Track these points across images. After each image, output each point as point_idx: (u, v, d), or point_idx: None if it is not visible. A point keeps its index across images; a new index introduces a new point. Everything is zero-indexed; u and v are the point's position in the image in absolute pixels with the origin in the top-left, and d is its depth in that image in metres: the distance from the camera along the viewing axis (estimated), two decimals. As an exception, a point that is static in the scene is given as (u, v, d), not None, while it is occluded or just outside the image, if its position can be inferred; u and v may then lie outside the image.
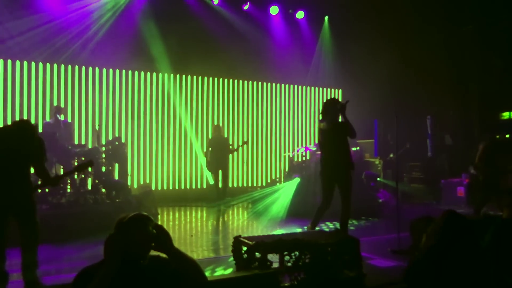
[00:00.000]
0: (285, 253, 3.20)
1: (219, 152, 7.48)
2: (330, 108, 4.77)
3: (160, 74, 9.21)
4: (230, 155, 8.38)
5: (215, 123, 9.32)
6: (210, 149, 7.59)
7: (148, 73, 9.16)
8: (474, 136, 9.43)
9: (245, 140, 9.31)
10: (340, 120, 4.73)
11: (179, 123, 9.38)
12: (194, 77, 9.66)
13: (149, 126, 9.09)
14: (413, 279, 2.03)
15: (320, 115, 4.94)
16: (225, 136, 9.34)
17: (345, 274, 3.34)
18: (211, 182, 8.61)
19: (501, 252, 2.08)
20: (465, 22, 9.42)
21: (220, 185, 7.57)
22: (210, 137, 8.90)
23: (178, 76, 9.44)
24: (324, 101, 5.30)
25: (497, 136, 5.93)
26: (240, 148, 8.66)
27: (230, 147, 8.00)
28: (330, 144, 4.75)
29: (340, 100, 5.09)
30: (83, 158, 6.18)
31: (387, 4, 9.10)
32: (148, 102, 9.13)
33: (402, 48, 9.35)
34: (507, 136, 9.10)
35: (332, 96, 11.32)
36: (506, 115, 9.52)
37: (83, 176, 6.21)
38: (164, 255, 1.78)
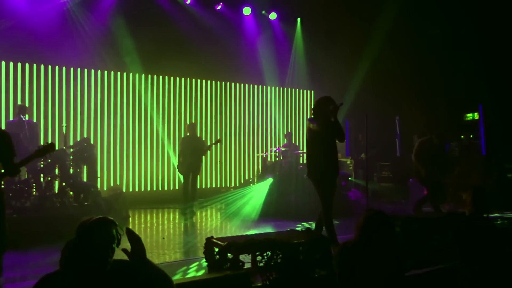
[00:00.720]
0: (257, 253, 3.20)
1: (191, 153, 7.24)
2: (323, 107, 4.44)
3: (131, 74, 9.02)
4: (204, 156, 8.14)
5: (188, 122, 9.13)
6: (181, 148, 7.33)
7: (119, 73, 8.95)
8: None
9: (218, 138, 9.04)
10: (332, 120, 4.39)
11: (150, 123, 9.21)
12: (166, 77, 9.53)
13: (119, 127, 8.88)
14: (340, 271, 2.13)
15: (312, 113, 4.61)
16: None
17: (317, 272, 3.38)
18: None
19: (461, 246, 2.19)
20: (432, 26, 9.76)
21: (189, 188, 7.28)
22: (183, 136, 8.71)
23: (149, 76, 9.28)
24: (317, 99, 4.59)
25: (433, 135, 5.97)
26: (214, 146, 8.34)
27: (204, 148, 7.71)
28: (318, 145, 4.47)
29: (332, 100, 4.51)
30: (49, 160, 5.97)
31: (357, 8, 9.31)
32: (119, 102, 8.92)
33: (371, 50, 9.58)
34: (471, 136, 9.50)
35: (303, 97, 11.46)
36: (470, 116, 9.93)
37: (49, 178, 5.98)
38: (125, 259, 1.72)
